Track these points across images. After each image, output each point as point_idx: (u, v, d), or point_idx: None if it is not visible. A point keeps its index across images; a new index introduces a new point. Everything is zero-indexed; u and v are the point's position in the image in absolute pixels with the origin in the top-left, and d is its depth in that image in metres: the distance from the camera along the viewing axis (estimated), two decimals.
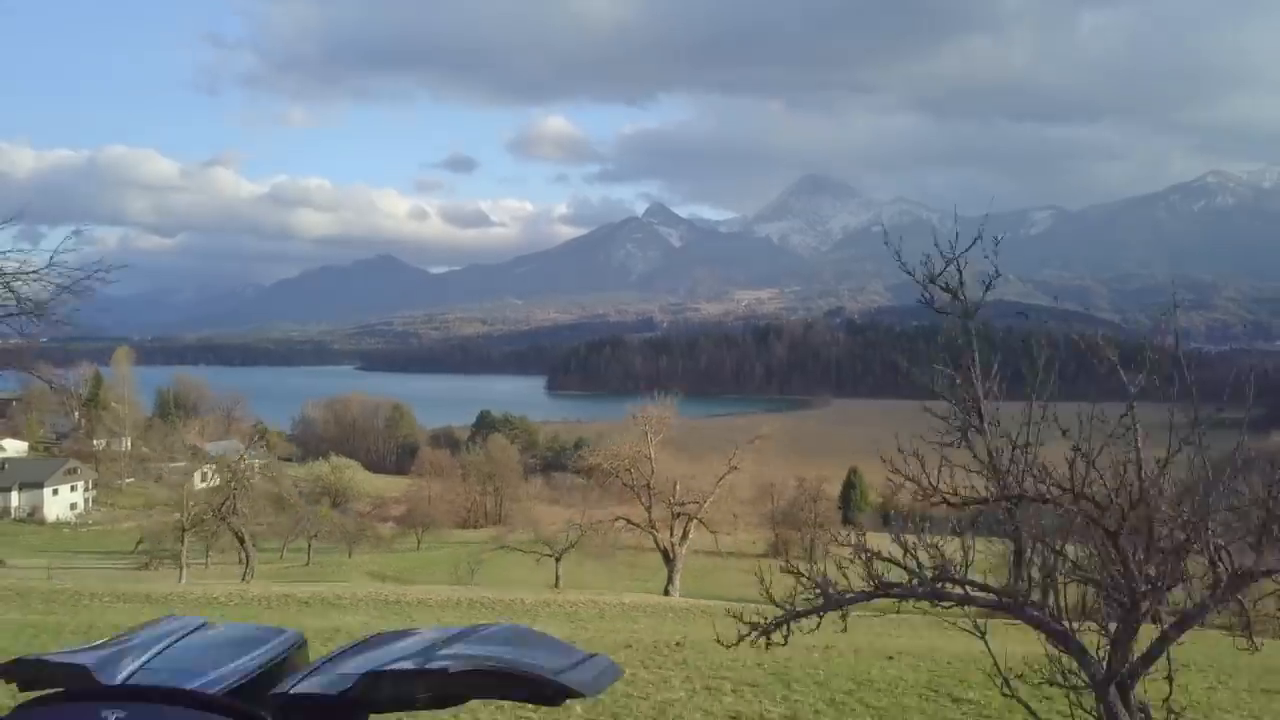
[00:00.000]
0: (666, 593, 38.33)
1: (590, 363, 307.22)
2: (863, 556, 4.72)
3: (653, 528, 41.42)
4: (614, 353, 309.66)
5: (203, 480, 49.48)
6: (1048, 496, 4.60)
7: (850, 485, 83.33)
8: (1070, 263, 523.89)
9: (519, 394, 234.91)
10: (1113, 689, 4.28)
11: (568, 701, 2.37)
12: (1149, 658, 4.46)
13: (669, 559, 40.92)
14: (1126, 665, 4.36)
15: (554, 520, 49.75)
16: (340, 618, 14.41)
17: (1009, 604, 4.67)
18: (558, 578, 42.69)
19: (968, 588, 4.65)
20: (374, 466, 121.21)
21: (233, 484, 36.94)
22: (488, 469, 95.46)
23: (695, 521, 41.76)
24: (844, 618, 4.93)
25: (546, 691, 2.59)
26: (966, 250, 5.86)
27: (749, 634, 4.82)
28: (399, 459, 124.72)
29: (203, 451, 63.85)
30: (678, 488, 41.88)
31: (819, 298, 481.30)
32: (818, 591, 4.77)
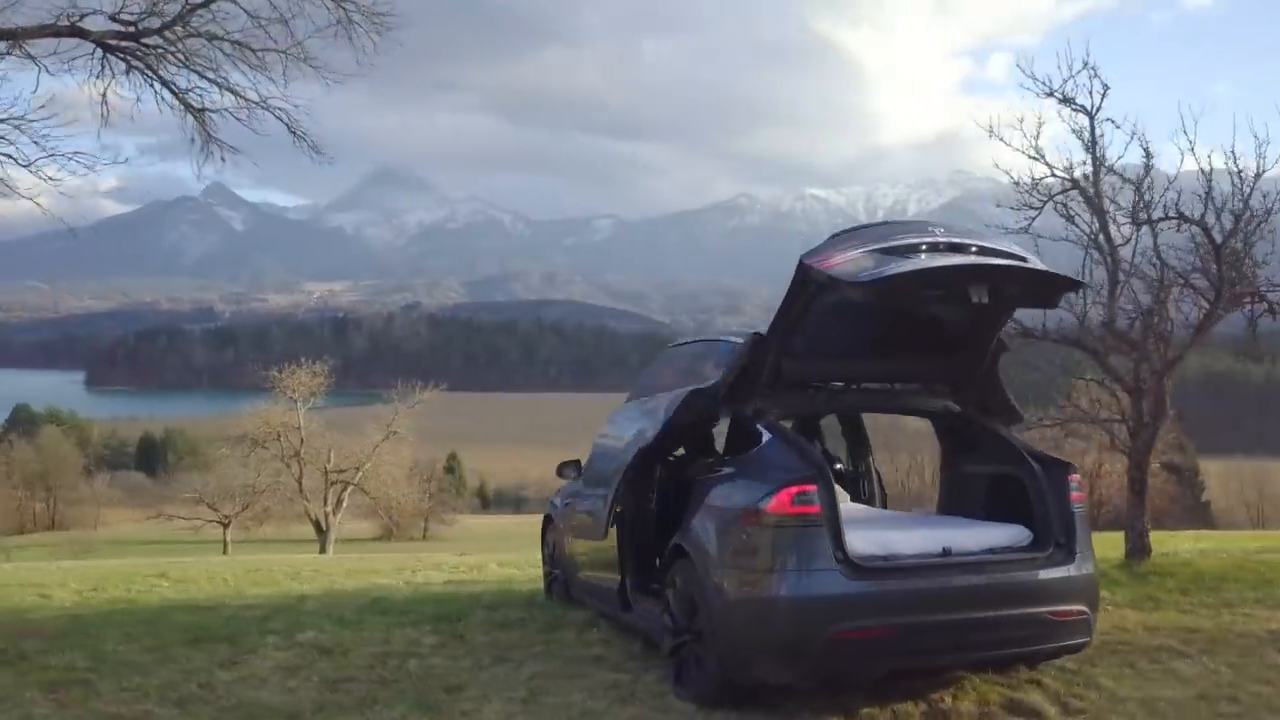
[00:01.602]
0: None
1: (141, 355, 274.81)
2: None
3: (304, 498, 40.10)
4: (170, 344, 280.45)
5: None
6: None
7: (449, 469, 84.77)
8: (629, 268, 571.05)
9: (55, 389, 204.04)
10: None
11: None
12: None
13: (322, 530, 39.77)
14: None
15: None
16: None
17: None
18: (226, 545, 39.90)
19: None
20: None
21: None
22: (38, 467, 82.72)
23: (350, 490, 41.07)
24: None
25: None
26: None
27: None
28: None
29: None
30: (332, 454, 40.89)
31: (394, 292, 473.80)
32: None
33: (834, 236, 4.83)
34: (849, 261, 4.41)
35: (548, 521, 7.81)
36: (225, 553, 37.65)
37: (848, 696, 4.86)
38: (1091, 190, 8.31)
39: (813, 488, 4.67)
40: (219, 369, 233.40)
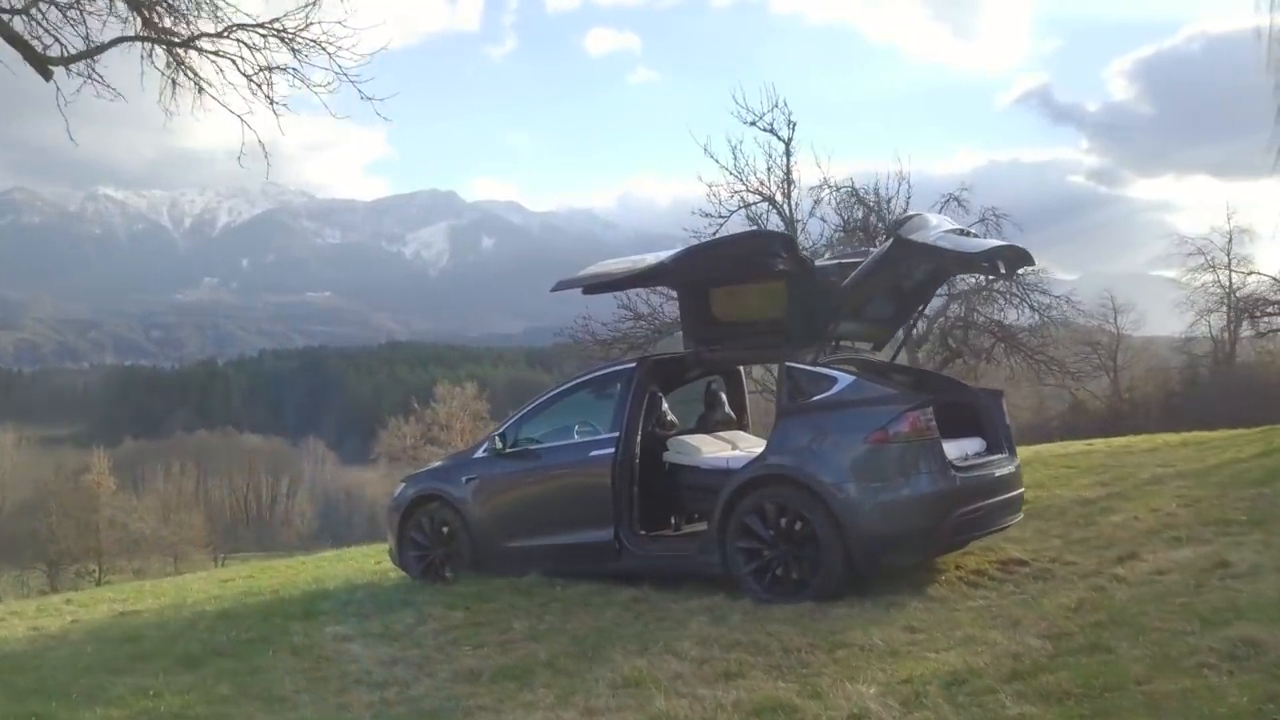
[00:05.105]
0: None
1: None
2: None
3: None
4: None
5: None
6: None
7: None
8: None
9: None
10: None
11: None
12: None
13: None
14: None
15: None
16: None
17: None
18: None
19: None
20: None
21: None
22: None
23: None
24: None
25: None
26: None
27: None
28: None
29: None
30: None
31: None
32: None
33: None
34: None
35: (413, 510, 7.65)
36: None
37: (911, 575, 5.99)
38: (783, 202, 11.30)
39: (931, 410, 5.78)
40: None
